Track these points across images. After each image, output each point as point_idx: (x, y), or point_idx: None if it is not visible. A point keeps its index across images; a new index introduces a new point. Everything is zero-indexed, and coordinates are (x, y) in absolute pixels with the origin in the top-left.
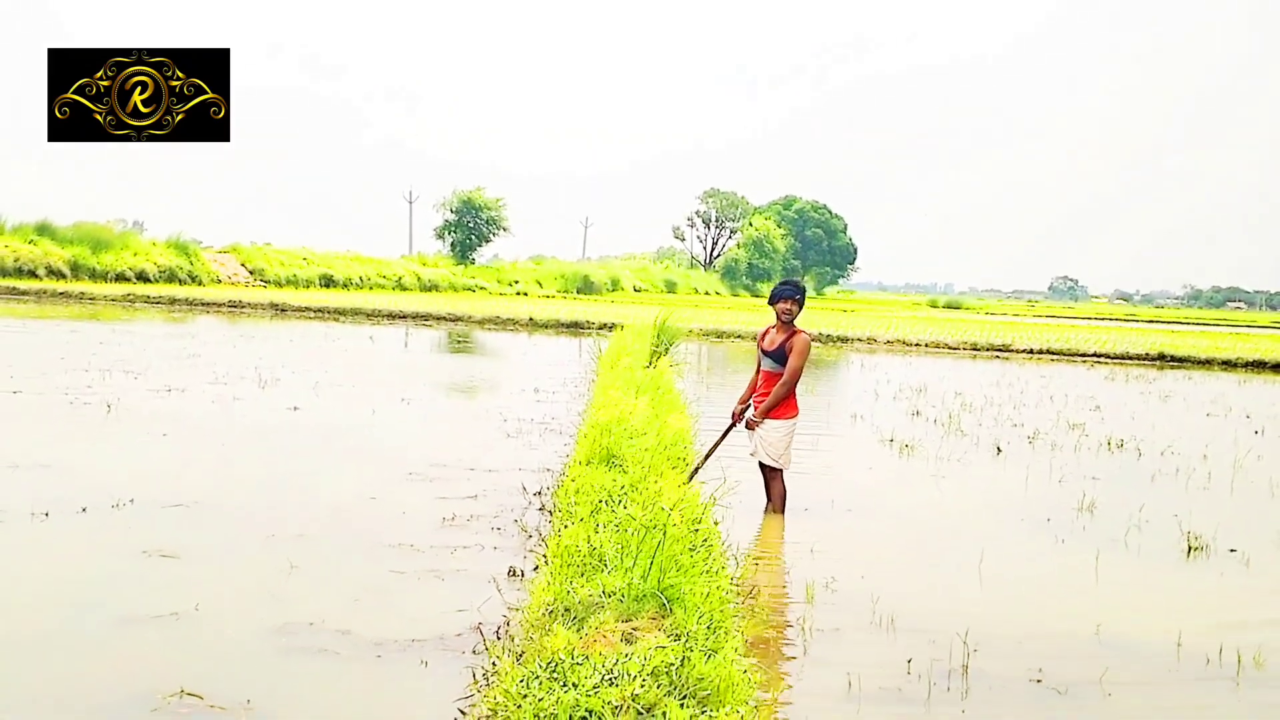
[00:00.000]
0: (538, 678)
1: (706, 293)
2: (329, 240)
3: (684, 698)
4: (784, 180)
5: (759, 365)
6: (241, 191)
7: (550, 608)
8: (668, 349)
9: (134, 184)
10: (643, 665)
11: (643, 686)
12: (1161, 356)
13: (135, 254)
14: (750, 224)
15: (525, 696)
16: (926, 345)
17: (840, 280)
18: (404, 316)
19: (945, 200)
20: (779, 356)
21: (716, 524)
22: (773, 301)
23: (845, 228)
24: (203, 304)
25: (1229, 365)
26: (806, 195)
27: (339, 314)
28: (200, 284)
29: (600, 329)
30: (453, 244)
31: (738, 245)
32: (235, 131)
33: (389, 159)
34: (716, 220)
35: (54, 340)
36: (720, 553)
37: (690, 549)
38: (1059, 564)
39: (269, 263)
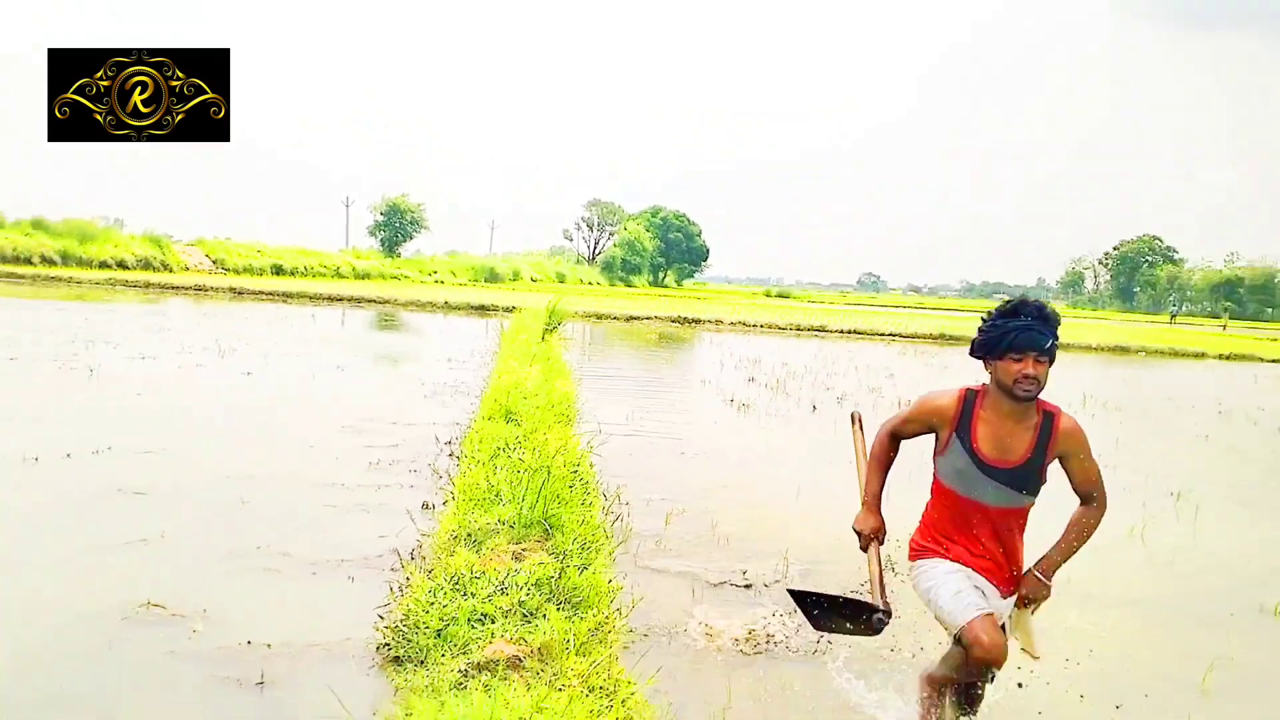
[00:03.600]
0: (443, 589)
1: (590, 283)
2: (280, 236)
3: (561, 603)
4: (653, 194)
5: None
6: (207, 194)
7: (455, 534)
8: (557, 327)
9: (117, 184)
10: (528, 578)
11: (528, 595)
12: (943, 335)
13: (116, 245)
14: (625, 228)
15: (433, 604)
16: (762, 326)
17: (695, 274)
18: (341, 299)
19: (780, 213)
20: (1030, 479)
21: (592, 466)
22: (999, 351)
23: (700, 232)
24: (172, 288)
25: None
26: (670, 206)
27: (287, 297)
28: (171, 271)
29: (504, 311)
30: (382, 240)
31: (615, 245)
32: (209, 145)
33: (328, 172)
34: (599, 224)
35: (46, 317)
36: (594, 489)
37: (570, 486)
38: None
39: (229, 254)
